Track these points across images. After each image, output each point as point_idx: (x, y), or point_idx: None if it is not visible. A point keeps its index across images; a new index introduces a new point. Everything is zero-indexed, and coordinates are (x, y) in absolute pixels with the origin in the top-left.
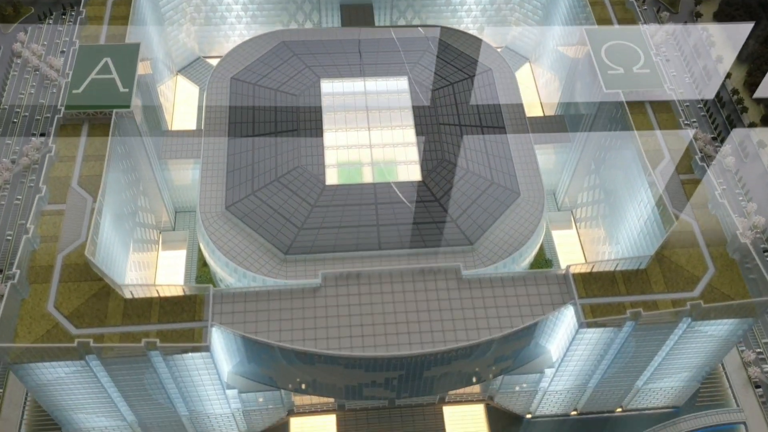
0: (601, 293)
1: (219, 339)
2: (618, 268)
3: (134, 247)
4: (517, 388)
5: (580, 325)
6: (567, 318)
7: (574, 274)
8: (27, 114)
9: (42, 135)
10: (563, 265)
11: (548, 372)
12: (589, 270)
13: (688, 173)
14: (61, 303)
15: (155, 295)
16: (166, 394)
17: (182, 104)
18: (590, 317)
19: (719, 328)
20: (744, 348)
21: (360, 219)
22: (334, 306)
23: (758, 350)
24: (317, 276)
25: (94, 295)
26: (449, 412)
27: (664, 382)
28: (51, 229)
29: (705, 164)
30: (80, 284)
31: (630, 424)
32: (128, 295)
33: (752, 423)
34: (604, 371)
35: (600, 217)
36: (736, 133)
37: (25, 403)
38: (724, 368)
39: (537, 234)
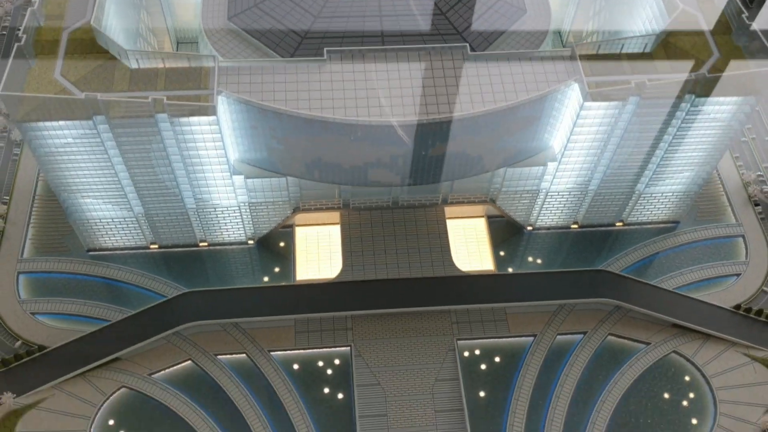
0: (606, 72)
1: (225, 113)
2: (624, 50)
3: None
4: (519, 187)
5: (585, 98)
6: (572, 101)
7: (580, 55)
8: None
9: None
10: None
11: (551, 167)
12: (595, 51)
13: None
14: (68, 72)
15: (161, 66)
16: (172, 174)
17: None
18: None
19: (722, 110)
20: (744, 171)
21: (364, 29)
22: (339, 81)
23: (758, 173)
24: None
25: (100, 66)
26: (452, 225)
27: (665, 184)
28: (56, 9)
29: None
30: (86, 56)
31: (631, 238)
32: (134, 65)
33: (751, 237)
34: (607, 166)
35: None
36: None
37: (29, 220)
38: (724, 188)
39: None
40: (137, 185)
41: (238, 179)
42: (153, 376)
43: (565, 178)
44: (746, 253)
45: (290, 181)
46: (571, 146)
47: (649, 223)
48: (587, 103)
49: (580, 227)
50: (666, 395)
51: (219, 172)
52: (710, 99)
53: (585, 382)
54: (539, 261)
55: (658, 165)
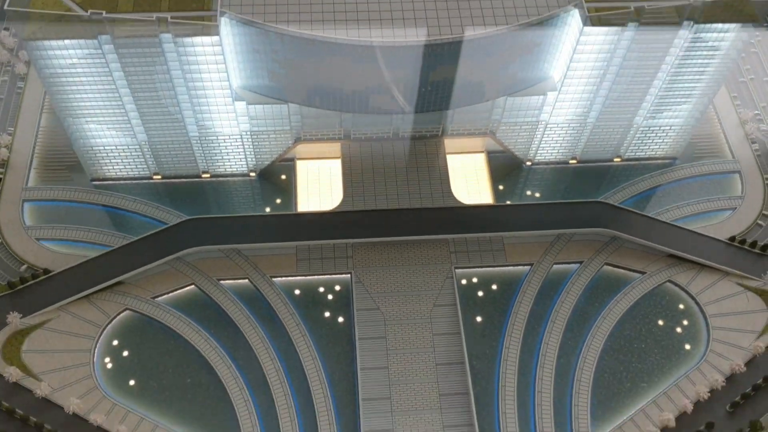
0: None
1: (228, 35)
2: None
3: None
4: (519, 118)
5: (585, 22)
6: (572, 28)
7: None
8: None
9: None
10: None
11: (550, 97)
12: None
13: None
14: None
15: None
16: (176, 99)
17: None
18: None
19: (721, 37)
20: (741, 110)
21: None
22: (341, 3)
23: (756, 112)
24: None
25: None
26: (452, 160)
27: (663, 117)
28: None
29: None
30: None
31: (628, 173)
32: None
33: (747, 173)
34: (606, 96)
35: None
36: None
37: (33, 151)
38: (721, 126)
39: None
40: (141, 110)
41: (240, 105)
42: (156, 299)
43: (565, 108)
44: (742, 188)
45: (292, 109)
46: (570, 74)
47: (647, 159)
48: (587, 28)
49: (578, 162)
50: (660, 322)
51: (221, 98)
52: (709, 26)
53: (581, 309)
54: (537, 195)
55: (656, 96)
